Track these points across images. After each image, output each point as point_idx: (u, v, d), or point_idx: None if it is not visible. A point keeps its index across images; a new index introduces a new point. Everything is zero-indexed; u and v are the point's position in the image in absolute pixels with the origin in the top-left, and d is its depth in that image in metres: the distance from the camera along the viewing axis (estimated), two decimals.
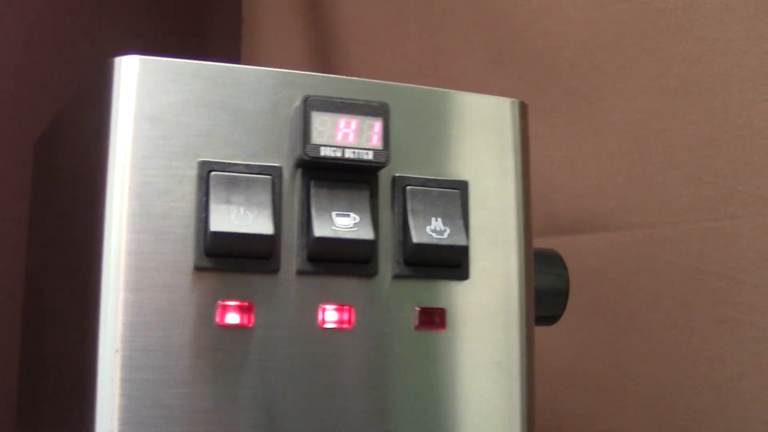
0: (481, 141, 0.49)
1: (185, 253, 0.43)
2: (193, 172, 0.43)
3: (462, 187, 0.48)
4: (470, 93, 0.50)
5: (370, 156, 0.45)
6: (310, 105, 0.44)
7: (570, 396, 0.85)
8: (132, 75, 0.43)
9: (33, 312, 0.59)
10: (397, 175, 0.47)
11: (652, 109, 0.82)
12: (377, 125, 0.45)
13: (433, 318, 0.46)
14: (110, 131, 0.43)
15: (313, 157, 0.44)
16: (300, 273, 0.44)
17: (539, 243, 0.92)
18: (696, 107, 0.79)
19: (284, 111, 0.45)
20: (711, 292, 0.76)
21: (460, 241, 0.46)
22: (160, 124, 0.43)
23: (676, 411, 0.78)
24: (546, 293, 0.55)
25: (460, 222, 0.46)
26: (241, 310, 0.43)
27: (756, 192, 0.74)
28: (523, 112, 0.51)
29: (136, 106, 0.43)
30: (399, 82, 0.50)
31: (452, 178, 0.48)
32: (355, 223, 0.44)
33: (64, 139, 0.52)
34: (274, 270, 0.44)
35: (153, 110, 0.43)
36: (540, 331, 0.53)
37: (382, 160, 0.45)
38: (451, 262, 0.46)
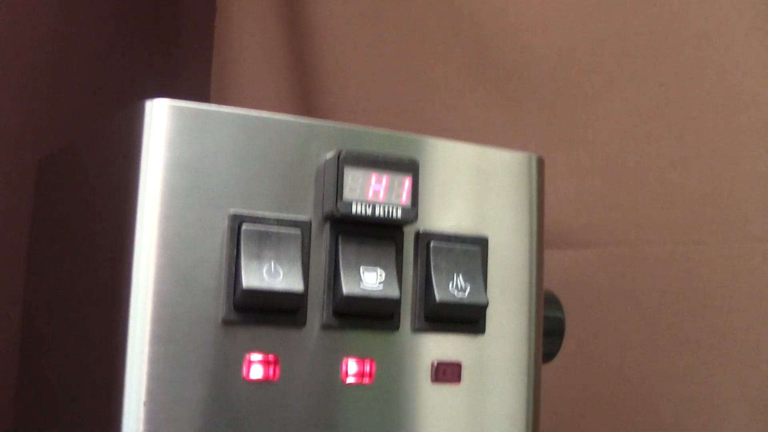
0: (502, 196, 0.50)
1: (213, 306, 0.42)
2: (223, 224, 0.43)
3: (483, 243, 0.48)
4: (493, 148, 0.50)
5: (399, 214, 0.45)
6: (343, 160, 0.44)
7: None
8: (162, 120, 0.43)
9: (34, 342, 0.57)
10: (421, 230, 0.47)
11: (625, 130, 0.83)
12: (407, 181, 0.45)
13: (450, 372, 0.47)
14: (139, 179, 0.42)
15: (344, 214, 0.44)
16: (325, 327, 0.45)
17: None
18: (670, 131, 0.81)
19: (314, 161, 0.45)
20: (675, 314, 0.79)
21: (480, 299, 0.47)
22: (190, 173, 0.43)
23: (636, 426, 0.80)
24: (545, 334, 0.56)
25: (480, 279, 0.47)
26: (266, 363, 0.43)
27: (723, 219, 0.76)
28: (541, 167, 0.52)
29: (166, 154, 0.42)
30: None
31: (474, 234, 0.48)
32: (381, 281, 0.45)
33: (81, 170, 0.51)
34: (301, 324, 0.44)
35: (184, 158, 0.43)
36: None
37: (411, 217, 0.45)
38: (469, 319, 0.47)
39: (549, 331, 0.58)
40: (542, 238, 0.51)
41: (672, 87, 0.80)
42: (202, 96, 1.12)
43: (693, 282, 0.78)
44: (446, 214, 0.48)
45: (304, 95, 1.08)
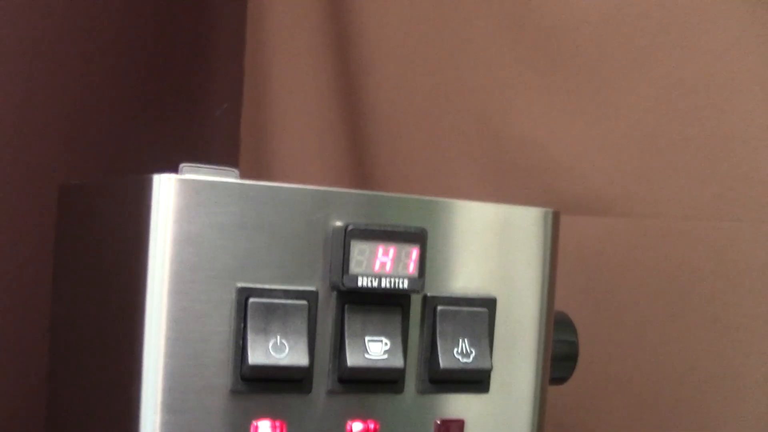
0: (513, 254, 0.50)
1: (222, 376, 0.44)
2: (231, 296, 0.44)
3: (490, 305, 0.49)
4: (507, 205, 0.50)
5: (405, 285, 0.45)
6: (350, 234, 0.44)
7: None
8: (169, 195, 0.43)
9: (58, 374, 0.59)
10: (429, 294, 0.48)
11: (666, 101, 0.82)
12: (414, 252, 0.45)
13: (453, 429, 0.48)
14: (148, 254, 0.43)
15: (350, 288, 0.45)
16: (331, 393, 0.46)
17: None
18: (712, 105, 0.79)
19: (321, 231, 0.46)
20: (706, 291, 0.79)
21: (484, 364, 0.47)
22: (198, 248, 0.43)
23: (657, 399, 0.82)
24: (557, 358, 0.57)
25: (486, 342, 0.48)
26: (274, 429, 0.45)
27: (762, 197, 0.76)
28: (556, 221, 0.51)
29: (173, 228, 0.43)
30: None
31: (482, 295, 0.49)
32: (386, 350, 0.46)
33: (95, 225, 0.52)
34: (307, 391, 0.45)
35: (191, 232, 0.43)
36: None
37: (417, 287, 0.46)
38: (473, 380, 0.48)
39: (562, 356, 0.59)
40: (553, 293, 0.51)
41: (716, 60, 0.78)
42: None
43: (726, 260, 0.77)
44: (455, 275, 0.48)
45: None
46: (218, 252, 0.44)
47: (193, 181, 0.44)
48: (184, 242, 0.43)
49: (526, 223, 0.50)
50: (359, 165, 1.13)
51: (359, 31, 1.04)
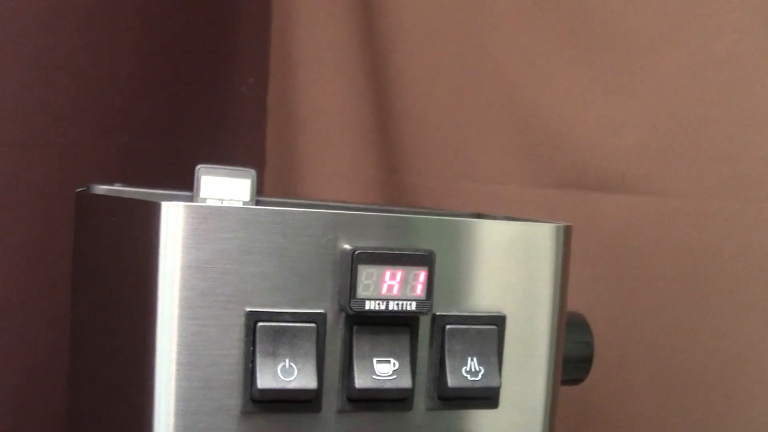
0: (523, 271, 0.50)
1: (232, 398, 0.45)
2: (240, 321, 0.45)
3: (500, 322, 0.49)
4: (518, 221, 0.50)
5: (413, 307, 0.46)
6: (357, 258, 0.45)
7: None
8: (178, 222, 0.44)
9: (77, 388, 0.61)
10: (438, 313, 0.48)
11: (695, 79, 0.80)
12: (422, 275, 0.46)
13: None
14: (158, 280, 0.43)
15: (357, 312, 0.45)
16: (340, 412, 0.47)
17: (566, 195, 0.95)
18: (740, 84, 0.78)
19: (330, 254, 0.46)
20: (730, 273, 0.79)
21: (493, 382, 0.48)
22: (207, 273, 0.44)
23: (680, 379, 0.82)
24: (573, 360, 0.57)
25: (495, 360, 0.48)
26: None
27: None
28: (567, 236, 0.51)
29: (182, 255, 0.44)
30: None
31: (491, 313, 0.49)
32: (394, 370, 0.46)
33: (107, 234, 0.53)
34: (316, 410, 0.46)
35: (200, 258, 0.44)
36: None
37: (425, 310, 0.46)
38: (482, 398, 0.49)
39: (578, 358, 0.59)
40: (564, 307, 0.51)
41: (746, 39, 0.77)
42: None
43: (752, 242, 0.77)
44: (465, 293, 0.48)
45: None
46: (227, 277, 0.44)
47: (201, 207, 0.44)
48: (194, 268, 0.44)
49: (537, 239, 0.50)
50: (384, 138, 1.13)
51: (386, 5, 1.04)
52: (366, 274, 0.45)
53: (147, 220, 0.44)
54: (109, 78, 0.90)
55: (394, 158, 1.12)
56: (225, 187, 0.63)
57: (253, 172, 0.64)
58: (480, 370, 0.47)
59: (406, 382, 0.46)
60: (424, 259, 0.46)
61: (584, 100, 0.89)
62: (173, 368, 0.44)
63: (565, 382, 0.56)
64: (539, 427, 0.50)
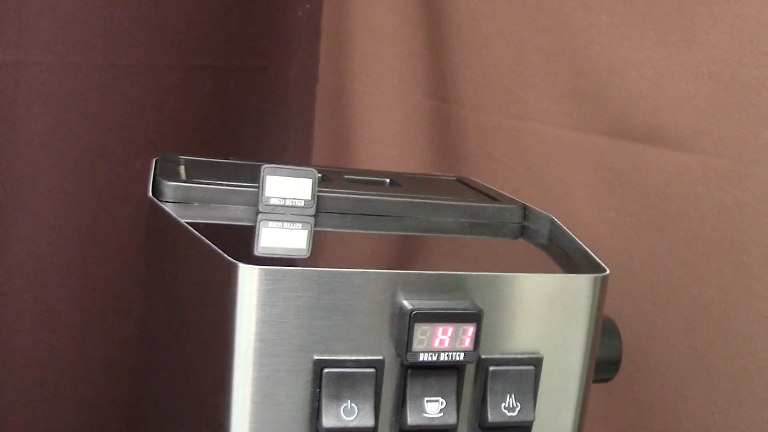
0: (561, 317, 0.55)
1: None
2: (308, 367, 0.51)
3: (537, 363, 0.54)
4: (559, 275, 0.54)
5: (461, 357, 0.51)
6: (413, 318, 0.50)
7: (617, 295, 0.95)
8: (253, 283, 0.49)
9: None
10: (483, 356, 0.53)
11: (749, 40, 0.82)
12: (470, 330, 0.51)
13: None
14: (235, 335, 0.49)
15: (412, 363, 0.51)
16: None
17: (612, 145, 0.97)
18: None
19: (389, 307, 0.51)
20: (766, 235, 0.82)
21: (528, 417, 0.54)
22: (279, 327, 0.50)
23: (709, 331, 0.87)
24: (603, 362, 0.63)
25: (530, 397, 0.54)
26: None
27: None
28: (604, 284, 0.55)
29: (257, 311, 0.49)
30: None
31: (530, 355, 0.54)
32: (441, 409, 0.52)
33: (182, 266, 0.58)
34: None
35: (273, 315, 0.50)
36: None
37: (472, 360, 0.52)
38: (518, 428, 0.55)
39: (607, 359, 0.65)
40: (596, 347, 0.56)
41: None
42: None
43: None
44: (507, 338, 0.54)
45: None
46: (297, 330, 0.50)
47: (274, 270, 0.49)
48: (267, 323, 0.50)
49: (576, 289, 0.55)
50: (436, 68, 1.15)
51: None
52: (421, 330, 0.50)
53: (226, 278, 0.50)
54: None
55: (445, 89, 1.14)
56: (288, 187, 0.68)
57: (314, 171, 0.68)
58: (517, 406, 0.54)
59: (451, 419, 0.52)
60: (472, 317, 0.51)
61: (638, 51, 0.90)
62: (248, 408, 0.50)
63: (595, 381, 0.62)
64: None
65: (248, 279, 0.49)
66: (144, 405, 0.68)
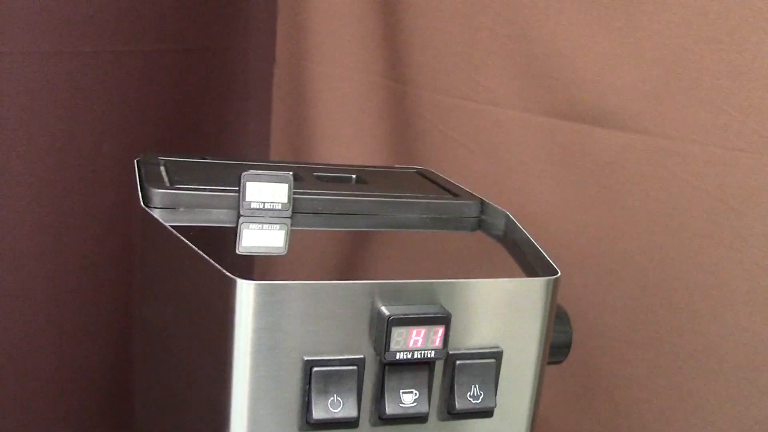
0: (518, 315, 0.63)
1: (293, 426, 0.58)
2: (299, 366, 0.57)
3: (498, 356, 0.62)
4: (516, 279, 0.62)
5: (432, 354, 0.59)
6: (391, 322, 0.57)
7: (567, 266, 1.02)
8: (250, 296, 0.55)
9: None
10: (450, 352, 0.61)
11: (690, 27, 0.89)
12: (440, 330, 0.58)
13: None
14: (234, 342, 0.56)
15: (390, 361, 0.58)
16: (374, 426, 0.60)
17: (561, 125, 1.04)
18: (731, 39, 0.86)
19: (368, 312, 0.58)
20: (703, 210, 0.90)
21: (490, 403, 0.62)
22: (274, 333, 0.56)
23: (652, 296, 0.95)
24: (555, 346, 0.71)
25: (492, 386, 0.62)
26: None
27: (766, 132, 0.85)
28: (556, 286, 0.63)
29: (254, 320, 0.56)
30: None
31: (491, 349, 0.62)
32: (415, 399, 0.59)
33: (178, 275, 0.64)
34: (354, 426, 0.60)
35: (268, 322, 0.56)
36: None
37: (442, 356, 0.59)
38: (482, 414, 0.63)
39: (560, 343, 0.73)
40: (549, 340, 0.64)
41: None
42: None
43: (726, 185, 0.88)
44: (472, 335, 0.61)
45: None
46: (290, 336, 0.57)
47: (270, 285, 0.56)
48: (263, 330, 0.56)
49: (531, 291, 0.62)
50: (391, 49, 1.19)
51: None
52: (398, 333, 0.57)
53: (224, 293, 0.56)
54: None
55: (401, 69, 1.19)
56: (266, 192, 0.73)
57: (289, 176, 0.74)
58: (481, 394, 0.61)
59: (424, 408, 0.60)
60: (442, 320, 0.58)
61: (585, 36, 0.96)
62: (246, 404, 0.57)
63: (550, 363, 0.70)
64: (524, 428, 0.65)
65: (245, 293, 0.55)
66: (141, 399, 0.74)
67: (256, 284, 0.55)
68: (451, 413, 0.62)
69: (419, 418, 0.61)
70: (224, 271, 0.56)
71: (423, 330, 0.58)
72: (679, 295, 0.92)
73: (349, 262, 0.70)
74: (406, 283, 0.59)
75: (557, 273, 0.63)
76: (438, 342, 0.58)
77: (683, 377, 0.93)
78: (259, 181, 0.73)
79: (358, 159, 1.25)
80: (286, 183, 0.74)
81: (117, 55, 1.10)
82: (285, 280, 0.57)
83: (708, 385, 0.92)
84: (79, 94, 1.06)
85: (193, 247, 0.59)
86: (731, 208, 0.87)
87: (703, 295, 0.90)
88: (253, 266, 0.64)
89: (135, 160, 0.83)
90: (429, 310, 0.58)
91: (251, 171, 0.73)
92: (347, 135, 1.27)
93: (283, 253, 0.67)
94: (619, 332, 0.98)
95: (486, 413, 0.63)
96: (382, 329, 0.57)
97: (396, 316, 0.57)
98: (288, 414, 0.58)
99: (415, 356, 0.58)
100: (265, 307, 0.56)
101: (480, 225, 0.79)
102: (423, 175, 0.91)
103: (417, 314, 0.58)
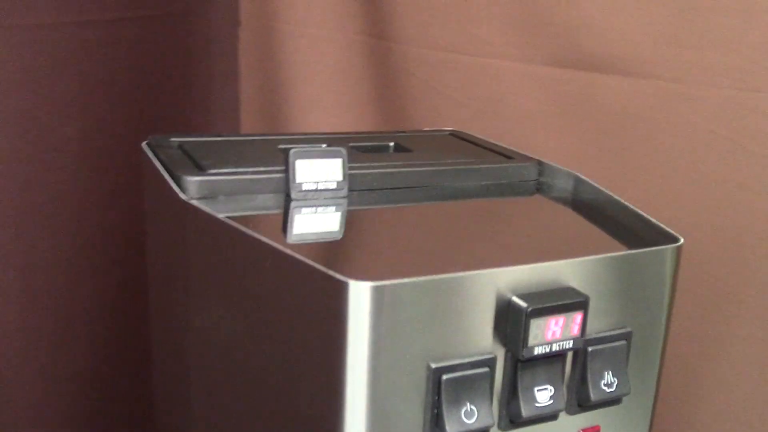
0: (644, 290, 0.56)
1: None
2: (424, 374, 0.49)
3: (628, 337, 0.55)
4: (638, 250, 0.55)
5: (570, 345, 0.51)
6: (529, 314, 0.49)
7: None
8: (365, 300, 0.47)
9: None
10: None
11: None
12: (578, 317, 0.51)
13: None
14: (347, 352, 0.47)
15: (528, 357, 0.50)
16: (503, 430, 0.53)
17: (563, 74, 0.97)
18: None
19: (500, 305, 0.50)
20: (720, 154, 0.86)
21: (625, 390, 0.55)
22: (393, 338, 0.48)
23: None
24: None
25: (625, 371, 0.55)
26: None
27: None
28: (678, 253, 0.56)
29: (371, 329, 0.47)
30: None
31: (621, 330, 0.55)
32: (551, 396, 0.52)
33: (264, 282, 0.54)
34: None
35: (387, 327, 0.47)
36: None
37: (580, 345, 0.52)
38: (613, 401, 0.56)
39: None
40: (671, 314, 0.58)
41: None
42: None
43: (742, 128, 0.84)
44: (599, 317, 0.54)
45: None
46: (414, 339, 0.48)
47: (385, 285, 0.47)
48: (380, 336, 0.47)
49: (658, 261, 0.56)
50: (369, 13, 1.10)
51: None
52: (536, 325, 0.49)
53: (332, 297, 0.47)
54: None
55: (382, 25, 1.10)
56: (319, 170, 0.64)
57: (343, 151, 0.65)
58: (614, 381, 0.54)
59: (561, 405, 0.53)
60: (580, 305, 0.51)
61: None
62: (364, 421, 0.48)
63: None
64: (648, 414, 0.59)
65: (360, 296, 0.46)
66: (185, 412, 0.64)
67: (372, 286, 0.47)
68: (582, 405, 0.55)
69: (551, 416, 0.54)
70: (331, 272, 0.47)
71: (562, 319, 0.50)
72: (695, 242, 0.88)
73: (439, 246, 0.61)
74: (534, 267, 0.51)
75: (679, 240, 0.57)
76: (576, 330, 0.51)
77: (705, 324, 0.90)
78: (311, 158, 0.64)
79: (344, 126, 1.15)
80: (340, 158, 0.65)
81: (73, 26, 0.97)
82: (401, 278, 0.48)
83: (729, 329, 0.88)
84: (36, 68, 0.93)
85: (291, 252, 0.50)
86: (750, 152, 0.83)
87: (719, 243, 0.87)
88: (341, 261, 0.55)
89: (144, 144, 0.72)
90: (566, 296, 0.51)
91: (299, 147, 0.64)
92: (329, 101, 1.17)
93: (340, 238, 0.59)
94: None
95: (616, 401, 0.56)
96: (518, 323, 0.50)
97: (535, 307, 0.49)
98: (415, 424, 0.50)
99: (554, 348, 0.51)
100: (381, 310, 0.47)
101: (539, 188, 0.72)
102: (460, 137, 0.83)
103: (556, 302, 0.50)
